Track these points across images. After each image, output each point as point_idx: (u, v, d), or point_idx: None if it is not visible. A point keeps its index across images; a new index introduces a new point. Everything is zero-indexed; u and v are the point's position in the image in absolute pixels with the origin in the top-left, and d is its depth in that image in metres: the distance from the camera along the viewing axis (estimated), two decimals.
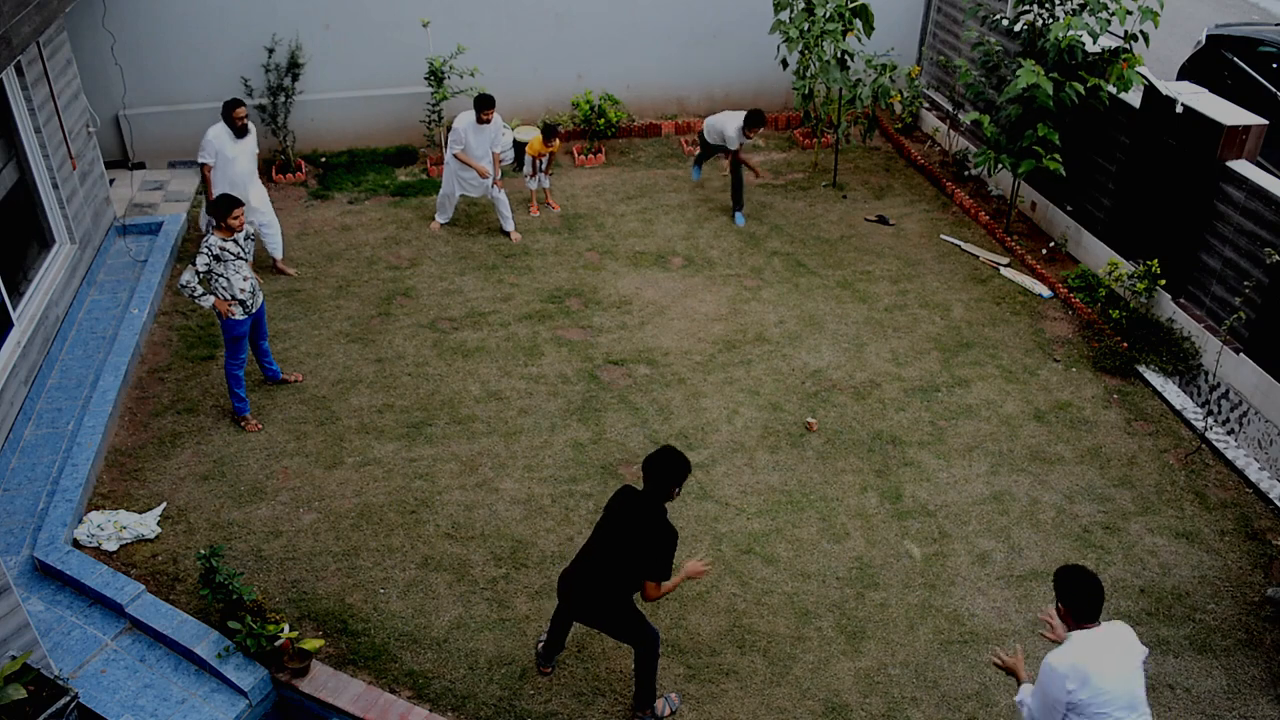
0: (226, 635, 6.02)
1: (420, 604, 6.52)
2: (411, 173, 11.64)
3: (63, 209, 8.88)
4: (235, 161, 9.06)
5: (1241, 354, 8.00)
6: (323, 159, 11.68)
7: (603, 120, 11.95)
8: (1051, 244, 10.33)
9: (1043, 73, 8.99)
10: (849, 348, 8.91)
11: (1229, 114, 8.23)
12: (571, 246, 10.31)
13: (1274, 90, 10.71)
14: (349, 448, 7.72)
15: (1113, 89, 9.19)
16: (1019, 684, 5.01)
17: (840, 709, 5.97)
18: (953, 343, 8.99)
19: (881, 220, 10.88)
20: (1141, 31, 9.01)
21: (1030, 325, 9.26)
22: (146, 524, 6.89)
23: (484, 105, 9.70)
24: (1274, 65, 10.88)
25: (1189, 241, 8.52)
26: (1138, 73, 8.99)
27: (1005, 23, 10.05)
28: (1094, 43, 9.31)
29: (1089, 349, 8.92)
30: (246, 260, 7.51)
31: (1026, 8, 9.71)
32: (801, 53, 10.82)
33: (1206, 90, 8.85)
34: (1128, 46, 9.13)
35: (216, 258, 7.33)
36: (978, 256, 10.27)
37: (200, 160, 9.03)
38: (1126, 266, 9.24)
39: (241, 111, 9.00)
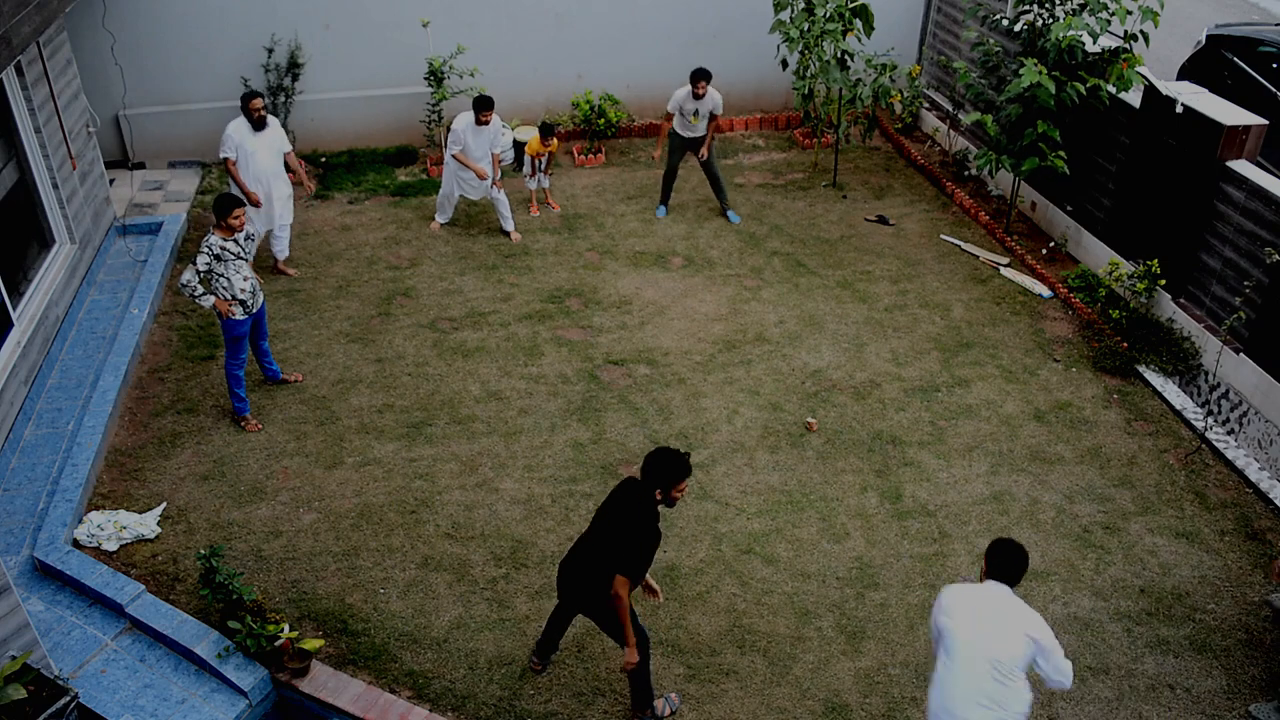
0: (226, 635, 6.02)
1: (420, 604, 6.52)
2: (411, 173, 11.64)
3: (63, 209, 8.88)
4: (256, 155, 9.01)
5: (1241, 354, 8.00)
6: (323, 159, 11.68)
7: (603, 120, 11.95)
8: (1051, 244, 10.34)
9: (1045, 72, 8.99)
10: (849, 348, 8.91)
11: (1229, 114, 8.23)
12: (571, 246, 10.31)
13: (1274, 90, 10.71)
14: (349, 448, 7.72)
15: (1113, 89, 9.19)
16: None
17: (840, 709, 5.97)
18: (953, 343, 9.00)
19: (881, 220, 10.89)
20: (1141, 31, 9.01)
21: (1030, 325, 9.26)
22: (146, 524, 6.89)
23: (483, 107, 9.69)
24: (1274, 65, 10.88)
25: (1189, 241, 8.52)
26: (1138, 73, 8.99)
27: (1005, 23, 10.05)
28: (1094, 43, 9.31)
29: (1089, 349, 8.92)
30: (247, 260, 7.51)
31: (1026, 8, 9.71)
32: (801, 53, 10.82)
33: (1206, 90, 8.85)
34: (1128, 46, 9.13)
35: (217, 257, 7.33)
36: (978, 256, 10.27)
37: (222, 155, 8.99)
38: (1126, 266, 9.24)
39: (258, 103, 8.92)
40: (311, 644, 5.99)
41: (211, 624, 6.15)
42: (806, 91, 10.99)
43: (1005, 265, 10.07)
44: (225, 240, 7.36)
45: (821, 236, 10.57)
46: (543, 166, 10.63)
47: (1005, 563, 4.94)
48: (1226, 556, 7.02)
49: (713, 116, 10.35)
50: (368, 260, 10.00)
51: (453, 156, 9.95)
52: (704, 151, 10.46)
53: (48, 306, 8.33)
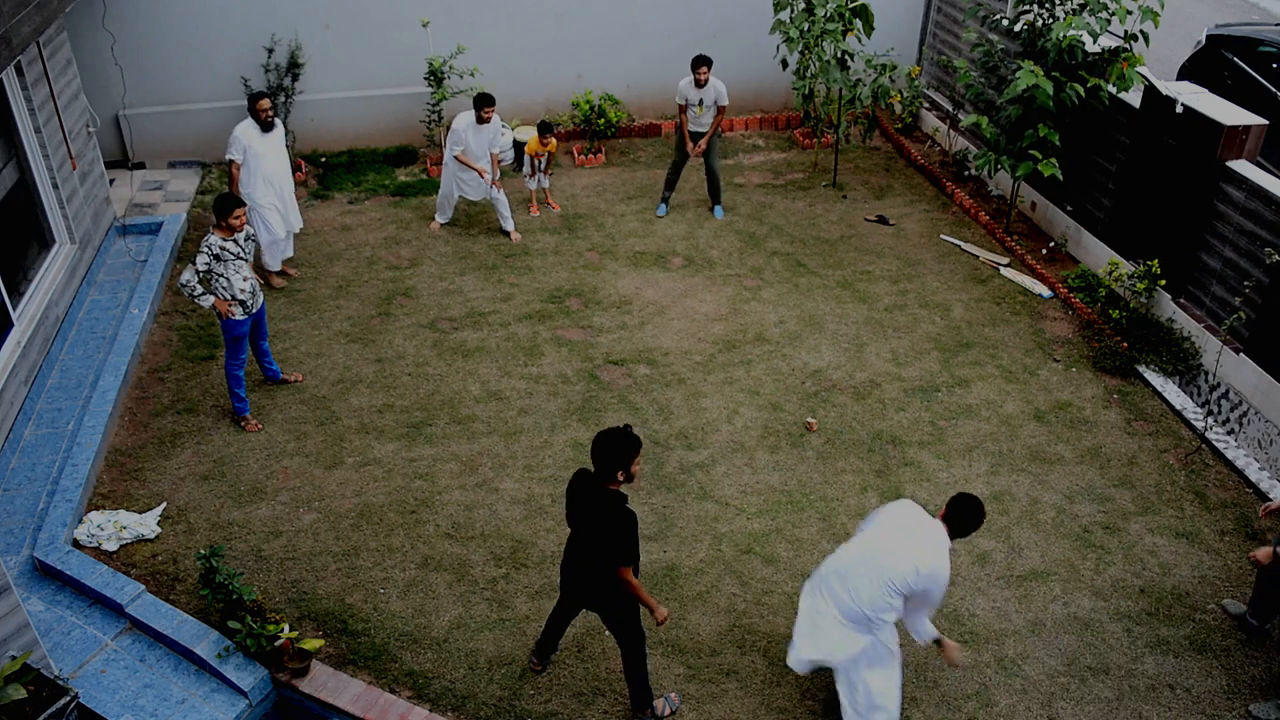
0: (226, 635, 6.02)
1: (420, 604, 6.52)
2: (411, 173, 11.64)
3: (63, 209, 8.88)
4: (265, 158, 8.95)
5: (1241, 354, 8.00)
6: (323, 159, 11.69)
7: (603, 120, 11.95)
8: (1051, 244, 10.34)
9: (1042, 73, 8.99)
10: (849, 348, 8.91)
11: (1229, 114, 8.23)
12: (571, 246, 10.31)
13: (1274, 90, 10.71)
14: (349, 448, 7.72)
15: (1113, 89, 9.19)
16: None
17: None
18: (953, 343, 8.99)
19: (881, 220, 10.89)
20: (1141, 31, 9.01)
21: (1030, 325, 9.26)
22: (146, 524, 6.89)
23: (484, 103, 9.69)
24: (1274, 65, 10.88)
25: (1189, 241, 8.52)
26: (1138, 73, 8.99)
27: (1005, 23, 10.05)
28: (1094, 43, 9.31)
29: (1089, 349, 8.92)
30: (246, 260, 7.51)
31: (1026, 8, 9.71)
32: (801, 53, 10.82)
33: (1206, 90, 8.85)
34: (1128, 46, 9.13)
35: (216, 257, 7.33)
36: (978, 256, 10.27)
37: (229, 157, 8.91)
38: (1126, 266, 9.24)
39: (265, 104, 8.85)
40: (311, 644, 5.99)
41: (211, 624, 6.15)
42: (806, 91, 10.99)
43: (1005, 265, 10.07)
44: (225, 240, 7.36)
45: (821, 236, 10.57)
46: (542, 166, 10.63)
47: (960, 515, 5.34)
48: (1226, 556, 7.01)
49: (720, 109, 10.35)
50: (368, 260, 10.00)
51: (454, 158, 9.95)
52: (702, 145, 10.46)
53: (48, 306, 8.33)
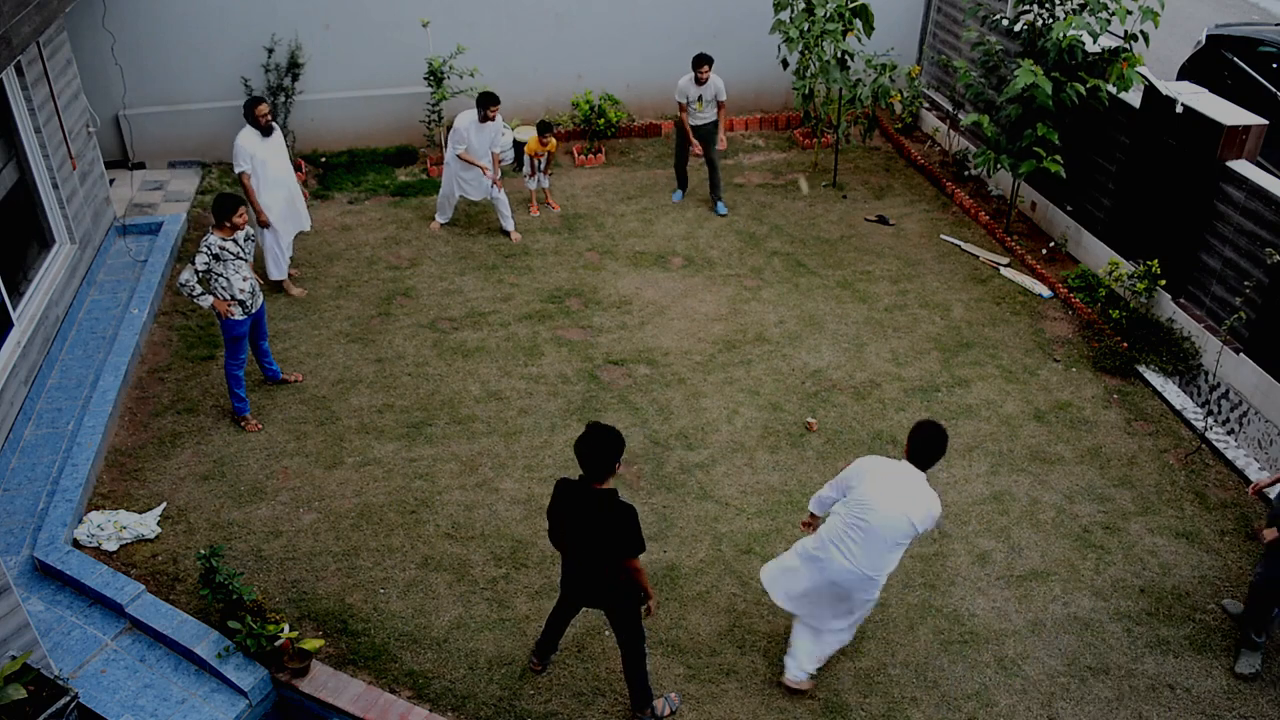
0: (226, 635, 6.02)
1: (420, 604, 6.52)
2: (411, 173, 11.64)
3: (63, 209, 8.88)
4: (269, 163, 8.89)
5: (1241, 354, 8.00)
6: (323, 159, 11.69)
7: (603, 120, 11.96)
8: (1051, 244, 10.34)
9: (1041, 73, 8.99)
10: (849, 348, 8.91)
11: (1229, 114, 8.23)
12: (571, 246, 10.31)
13: (1274, 90, 10.71)
14: (349, 448, 7.72)
15: (1113, 89, 9.19)
16: None
17: (840, 709, 5.97)
18: (953, 343, 9.00)
19: (881, 220, 10.89)
20: (1141, 31, 9.01)
21: (1030, 325, 9.26)
22: (146, 524, 6.89)
23: (490, 102, 9.69)
24: (1274, 65, 10.88)
25: (1189, 241, 8.52)
26: (1138, 73, 8.99)
27: (1005, 23, 10.05)
28: (1094, 42, 9.31)
29: (1089, 349, 8.92)
30: (246, 260, 7.51)
31: (1026, 8, 9.71)
32: (801, 53, 10.83)
33: (1206, 90, 8.85)
34: (1128, 46, 9.13)
35: (216, 257, 7.32)
36: (978, 256, 10.27)
37: (238, 170, 8.78)
38: (1126, 266, 9.24)
39: (263, 108, 8.78)
40: (311, 644, 5.99)
41: (211, 624, 6.15)
42: (806, 91, 10.99)
43: (1005, 265, 10.07)
44: (225, 240, 7.36)
45: (821, 236, 10.57)
46: (542, 166, 10.63)
47: (924, 447, 5.54)
48: (1226, 556, 7.01)
49: (720, 104, 10.43)
50: (368, 260, 10.00)
51: (457, 156, 9.94)
52: (721, 140, 10.67)
53: (48, 306, 8.33)
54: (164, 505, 7.11)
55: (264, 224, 8.96)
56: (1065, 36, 9.01)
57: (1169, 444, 7.98)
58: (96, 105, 10.67)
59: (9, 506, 6.92)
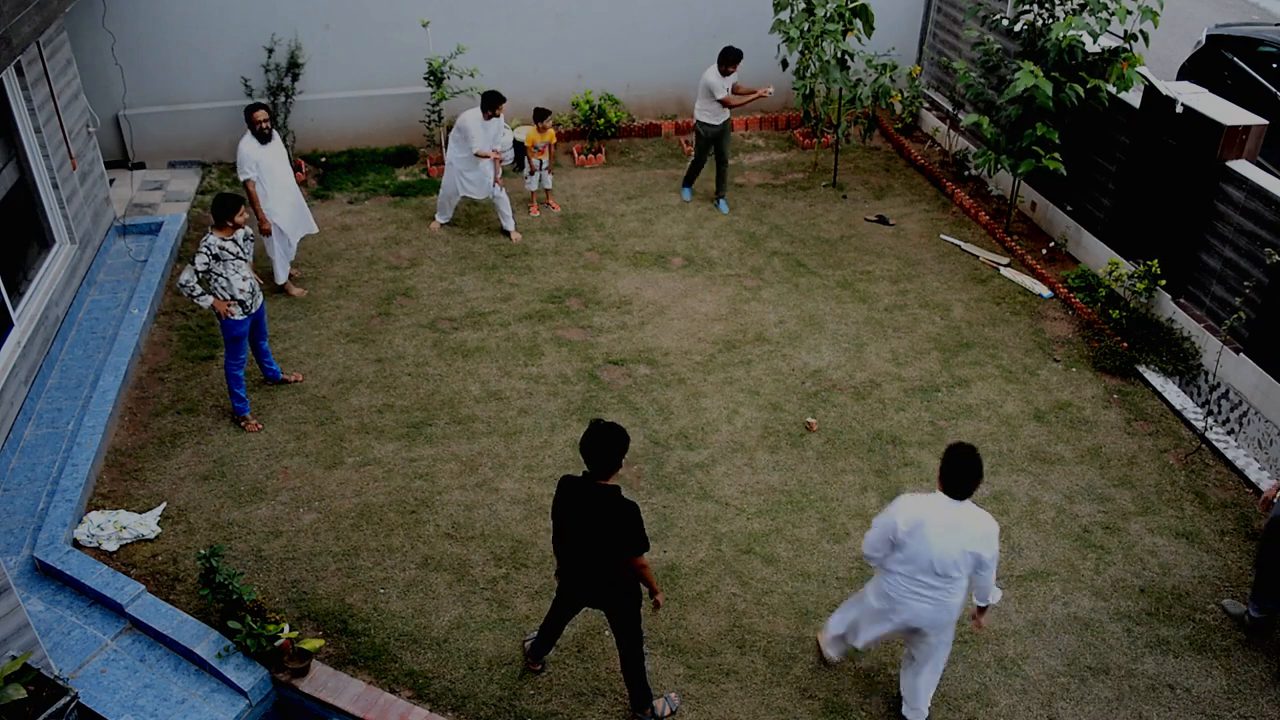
0: (226, 635, 6.02)
1: (420, 604, 6.52)
2: (411, 173, 11.64)
3: (63, 209, 8.88)
4: (273, 169, 8.86)
5: (1241, 354, 8.00)
6: (323, 159, 11.69)
7: (603, 120, 11.95)
8: (1051, 244, 10.34)
9: (1041, 74, 8.99)
10: (849, 348, 8.91)
11: (1229, 114, 8.23)
12: (571, 246, 10.31)
13: (1274, 90, 10.71)
14: (349, 448, 7.72)
15: (1113, 89, 9.19)
16: None
17: (840, 709, 5.97)
18: (953, 343, 9.00)
19: (881, 220, 10.89)
20: (1141, 31, 9.01)
21: (1030, 325, 9.26)
22: (146, 524, 6.89)
23: (497, 101, 9.68)
24: (1274, 65, 10.88)
25: (1189, 241, 8.52)
26: (1138, 73, 8.99)
27: (1005, 23, 10.05)
28: (1094, 43, 9.31)
29: (1089, 349, 8.92)
30: (246, 260, 7.51)
31: (1026, 8, 9.71)
32: (801, 53, 10.83)
33: (1206, 90, 8.85)
34: (1128, 46, 9.13)
35: (215, 257, 7.32)
36: (978, 256, 10.27)
37: (244, 178, 8.73)
38: (1126, 266, 9.24)
39: (262, 115, 8.74)
40: (311, 644, 5.99)
41: (211, 624, 6.15)
42: (807, 91, 10.99)
43: (1005, 265, 10.07)
44: (224, 240, 7.36)
45: (821, 236, 10.57)
46: (545, 164, 10.61)
47: (961, 477, 5.18)
48: (1226, 556, 7.01)
49: (735, 88, 10.48)
50: (368, 260, 10.01)
51: (474, 153, 9.86)
52: (766, 91, 10.48)
53: (48, 306, 8.33)
54: (164, 505, 7.11)
55: (265, 232, 8.95)
56: (1065, 36, 9.01)
57: (1169, 444, 7.98)
58: (96, 105, 10.68)
59: (9, 506, 6.93)
